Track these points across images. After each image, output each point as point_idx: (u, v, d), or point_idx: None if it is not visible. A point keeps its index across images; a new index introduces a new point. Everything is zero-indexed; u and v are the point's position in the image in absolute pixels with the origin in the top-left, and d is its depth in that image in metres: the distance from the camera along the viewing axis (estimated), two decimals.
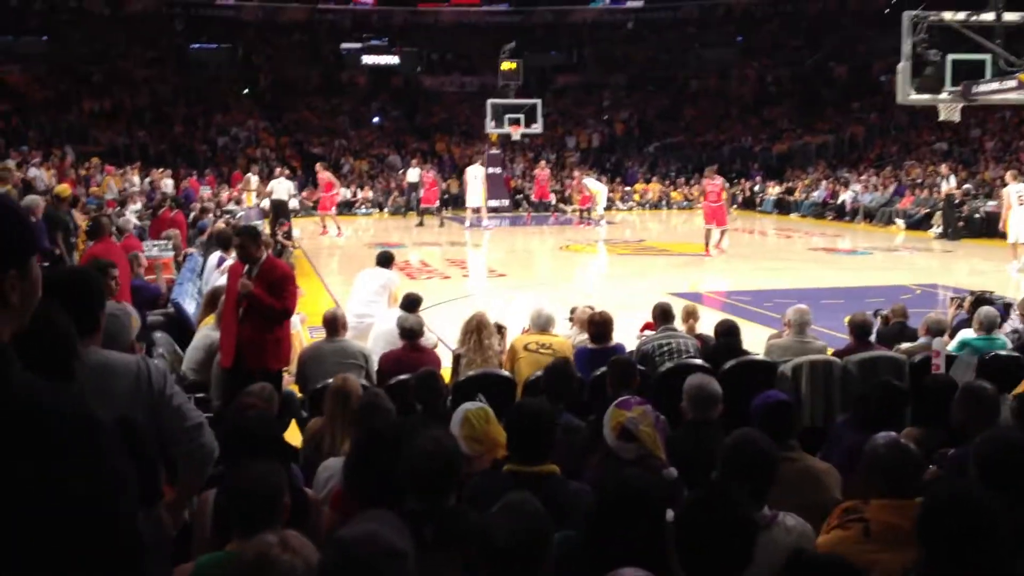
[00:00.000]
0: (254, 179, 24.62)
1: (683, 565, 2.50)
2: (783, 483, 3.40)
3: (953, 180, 22.42)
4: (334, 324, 6.77)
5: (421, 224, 25.34)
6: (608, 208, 32.40)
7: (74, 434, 1.38)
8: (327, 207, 23.49)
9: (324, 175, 23.47)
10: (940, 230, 22.24)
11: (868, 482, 3.34)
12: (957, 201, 22.29)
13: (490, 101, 28.06)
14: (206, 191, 21.80)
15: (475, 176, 25.07)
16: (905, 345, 6.97)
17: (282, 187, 20.22)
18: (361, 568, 2.02)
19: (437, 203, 25.98)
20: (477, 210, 24.93)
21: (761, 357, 6.61)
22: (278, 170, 25.48)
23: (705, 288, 14.66)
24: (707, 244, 18.90)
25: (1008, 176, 18.29)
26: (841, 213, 27.56)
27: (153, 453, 2.97)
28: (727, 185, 24.25)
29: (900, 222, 24.57)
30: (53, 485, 1.33)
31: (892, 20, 15.84)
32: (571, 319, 7.99)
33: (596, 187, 25.88)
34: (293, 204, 23.81)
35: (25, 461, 1.32)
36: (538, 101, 28.57)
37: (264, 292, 6.19)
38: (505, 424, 3.83)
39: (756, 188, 32.83)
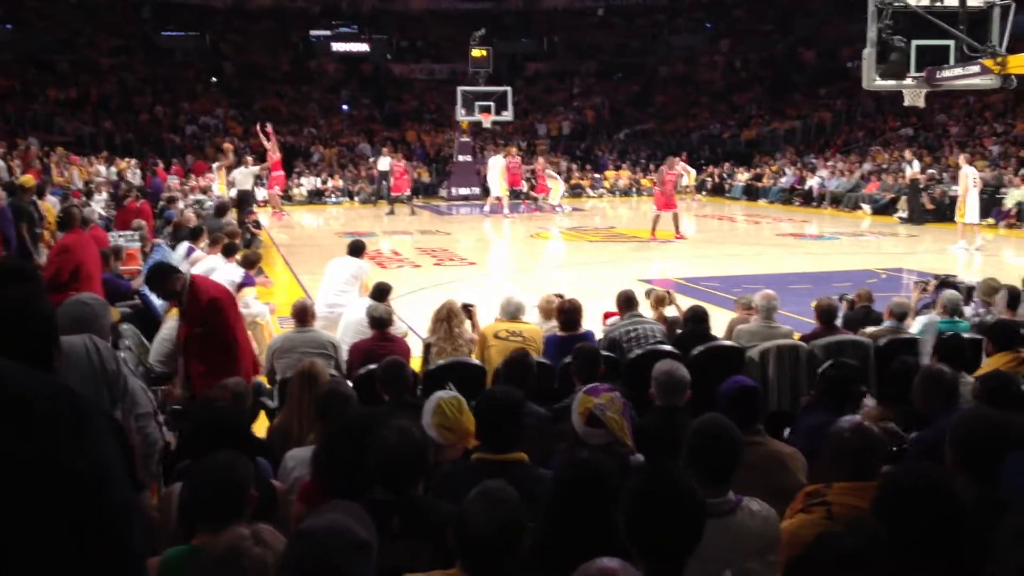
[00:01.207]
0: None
1: (632, 544, 2.52)
2: (748, 467, 3.42)
3: (917, 165, 22.66)
4: (303, 314, 6.74)
5: (392, 213, 25.28)
6: (578, 195, 32.53)
7: (65, 415, 1.40)
8: (272, 187, 23.76)
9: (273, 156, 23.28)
10: (905, 215, 22.49)
11: (832, 465, 3.38)
12: (922, 186, 22.54)
13: (460, 88, 27.98)
14: (173, 181, 21.55)
15: (496, 165, 25.55)
16: (870, 329, 7.05)
17: (247, 176, 19.98)
18: (324, 560, 2.02)
19: (408, 191, 25.96)
20: (498, 198, 25.24)
21: (730, 343, 6.65)
22: (247, 159, 25.24)
23: (674, 274, 14.73)
24: (653, 229, 19.37)
25: (962, 159, 18.65)
26: (808, 199, 27.80)
27: (124, 442, 2.96)
28: (683, 174, 24.41)
29: (866, 207, 24.82)
30: (48, 465, 1.35)
31: (859, 6, 15.94)
32: (538, 307, 7.98)
33: (553, 179, 27.01)
34: (260, 193, 23.66)
35: (19, 442, 1.33)
36: (508, 88, 28.55)
37: (198, 327, 5.77)
38: (474, 412, 3.85)
39: (724, 174, 33.00)
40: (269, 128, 22.66)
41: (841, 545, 2.63)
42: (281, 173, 24.07)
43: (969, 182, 17.33)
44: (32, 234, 11.07)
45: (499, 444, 3.62)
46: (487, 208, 25.55)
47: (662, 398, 4.54)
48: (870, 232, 21.36)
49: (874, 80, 11.16)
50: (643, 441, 4.07)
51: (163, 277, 5.94)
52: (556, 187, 26.68)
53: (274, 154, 22.44)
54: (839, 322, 7.08)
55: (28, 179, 12.99)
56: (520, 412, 3.74)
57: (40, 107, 33.31)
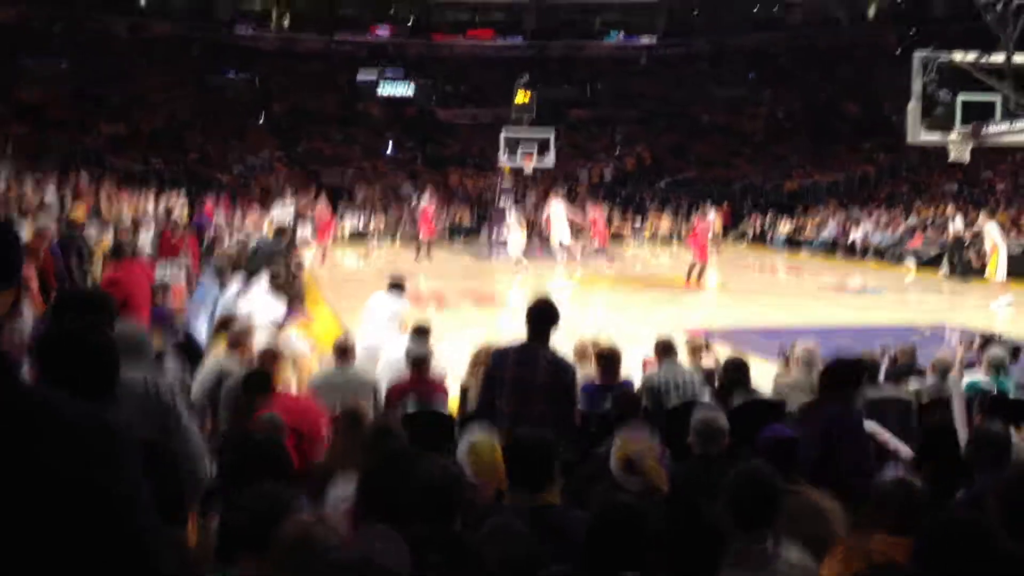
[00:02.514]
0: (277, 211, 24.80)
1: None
2: (787, 517, 3.41)
3: (959, 221, 22.44)
4: (344, 351, 6.80)
5: (417, 259, 24.68)
6: (618, 242, 32.51)
7: (88, 437, 1.43)
8: (323, 237, 23.63)
9: (321, 207, 23.72)
10: (948, 270, 22.24)
11: (874, 517, 3.36)
12: (967, 242, 22.29)
13: (504, 132, 28.15)
14: (220, 217, 21.91)
15: (556, 213, 24.33)
16: (913, 385, 6.97)
17: (286, 212, 20.24)
18: None
19: (429, 236, 25.65)
20: (563, 246, 24.17)
21: (769, 395, 6.61)
22: (288, 198, 25.64)
23: (714, 323, 14.64)
24: (689, 277, 19.46)
25: (983, 217, 18.41)
26: (851, 251, 27.57)
27: (177, 474, 3.01)
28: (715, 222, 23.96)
29: (910, 261, 24.54)
30: (68, 487, 1.37)
31: (903, 59, 15.97)
32: (575, 352, 7.95)
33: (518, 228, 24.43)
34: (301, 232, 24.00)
35: (38, 464, 1.36)
36: (551, 132, 28.65)
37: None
38: (504, 455, 3.87)
39: (767, 225, 32.87)
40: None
41: None
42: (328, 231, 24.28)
43: (996, 238, 17.17)
44: (81, 266, 11.28)
45: (531, 486, 3.63)
46: (562, 256, 24.22)
47: (700, 447, 4.52)
48: (914, 287, 21.12)
49: (919, 134, 11.13)
50: (679, 489, 4.06)
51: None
52: (519, 237, 23.76)
53: (323, 215, 22.94)
54: (881, 377, 7.02)
55: (79, 212, 13.28)
56: (550, 454, 3.75)
57: (92, 141, 34.09)
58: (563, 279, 21.56)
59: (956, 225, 22.18)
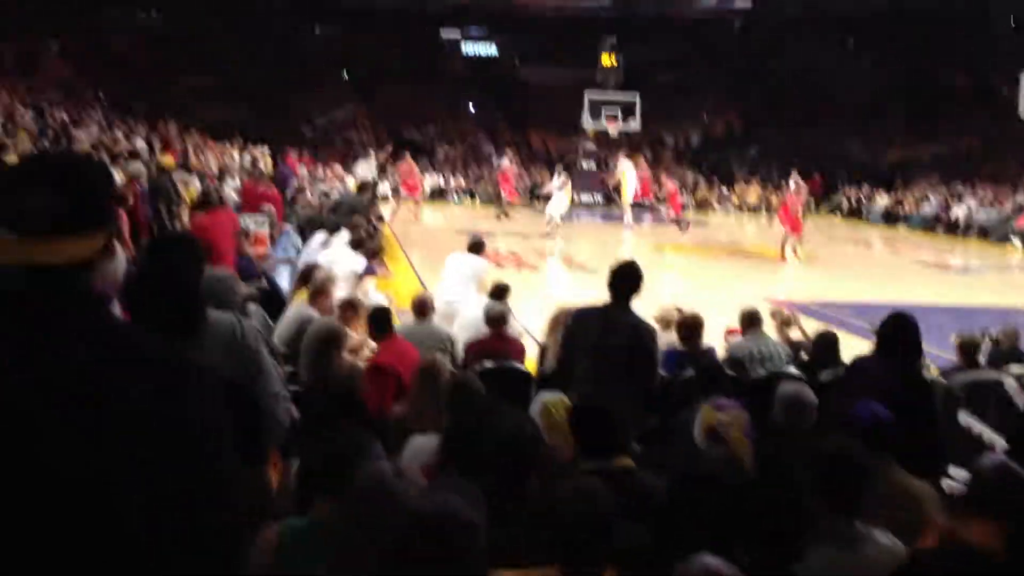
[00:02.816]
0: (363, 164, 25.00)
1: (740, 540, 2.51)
2: (878, 500, 3.29)
3: None
4: (423, 307, 6.81)
5: (498, 217, 25.06)
6: (704, 210, 32.04)
7: (170, 373, 1.50)
8: (413, 192, 23.73)
9: (405, 164, 23.76)
10: None
11: (972, 504, 3.21)
12: None
13: (587, 95, 27.83)
14: (303, 170, 22.16)
15: (627, 175, 24.50)
16: (1015, 368, 6.66)
17: (368, 166, 20.36)
18: (436, 538, 2.06)
19: (510, 197, 25.60)
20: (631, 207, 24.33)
21: None
22: (370, 151, 25.78)
23: (801, 296, 14.29)
24: (783, 251, 18.80)
25: None
26: (953, 228, 26.59)
27: (258, 415, 3.04)
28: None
29: (1016, 241, 23.54)
30: (149, 425, 1.43)
31: (1016, 29, 15.29)
32: (656, 318, 7.84)
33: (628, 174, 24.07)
34: (383, 187, 24.15)
35: (122, 400, 1.42)
36: (636, 95, 28.22)
37: None
38: (571, 422, 3.81)
39: (863, 197, 31.92)
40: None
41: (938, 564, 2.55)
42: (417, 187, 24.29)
43: None
44: (169, 211, 11.49)
45: (596, 453, 3.58)
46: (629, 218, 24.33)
47: (786, 422, 4.39)
48: (1020, 267, 20.30)
49: None
50: (765, 463, 3.94)
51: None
52: (562, 198, 22.50)
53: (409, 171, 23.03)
54: (982, 359, 6.72)
55: (168, 160, 13.54)
56: (615, 422, 3.70)
57: (178, 91, 34.74)
58: (633, 241, 21.36)
59: None
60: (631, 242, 22.28)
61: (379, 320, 6.12)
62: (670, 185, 25.28)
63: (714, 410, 3.90)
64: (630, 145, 35.53)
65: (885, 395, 4.27)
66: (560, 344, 5.63)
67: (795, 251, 18.69)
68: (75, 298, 1.50)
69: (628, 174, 24.36)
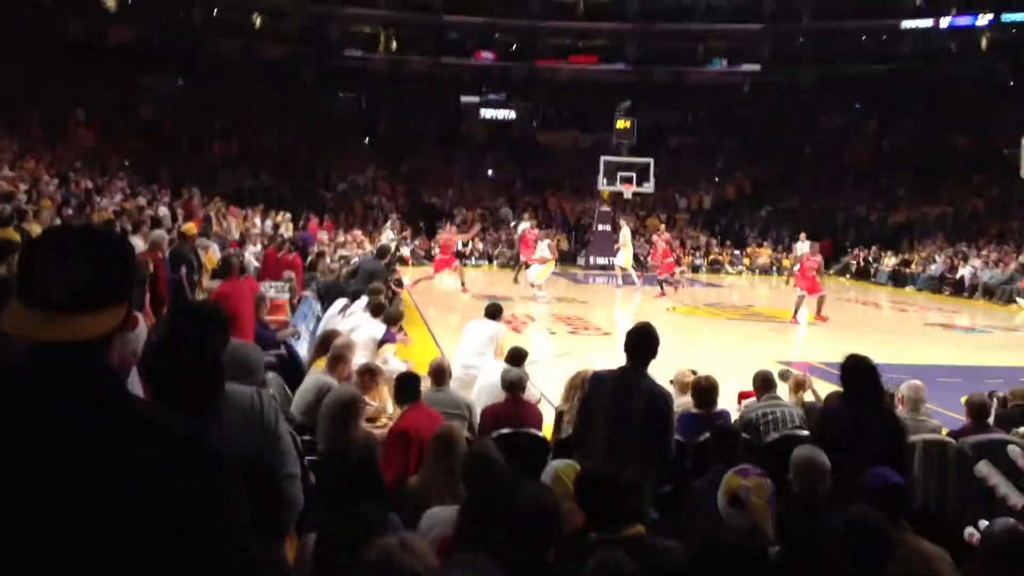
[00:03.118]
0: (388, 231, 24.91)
1: None
2: (895, 564, 3.33)
3: None
4: (440, 374, 6.86)
5: (516, 280, 24.70)
6: (716, 271, 32.13)
7: (184, 453, 1.49)
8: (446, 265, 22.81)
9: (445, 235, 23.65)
10: None
11: (983, 566, 3.25)
12: None
13: (603, 158, 28.14)
14: (324, 236, 22.41)
15: (624, 238, 24.82)
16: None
17: (387, 234, 20.54)
18: None
19: (528, 261, 25.47)
20: (623, 268, 24.58)
21: None
22: (393, 217, 26.07)
23: (813, 358, 14.30)
24: (796, 312, 18.77)
25: None
26: (959, 288, 26.60)
27: (276, 491, 3.07)
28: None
29: (1022, 301, 23.57)
30: (164, 504, 1.43)
31: (1016, 92, 15.45)
32: (672, 381, 7.90)
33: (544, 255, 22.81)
34: (404, 251, 24.19)
35: (138, 480, 1.43)
36: (651, 160, 28.54)
37: None
38: (577, 492, 3.77)
39: (871, 258, 32.02)
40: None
41: None
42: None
43: None
44: (190, 280, 11.66)
45: (610, 522, 3.55)
46: (627, 280, 24.65)
47: (801, 485, 4.42)
48: None
49: None
50: (787, 530, 3.97)
51: None
52: (546, 265, 22.17)
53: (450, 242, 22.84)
54: (991, 420, 6.75)
55: (190, 227, 13.76)
56: (624, 488, 3.67)
57: (204, 159, 35.30)
58: (648, 303, 21.39)
59: None
60: (646, 304, 22.34)
61: (405, 385, 6.16)
62: (661, 244, 25.29)
63: (738, 476, 3.92)
64: (644, 208, 35.87)
65: (860, 432, 4.76)
66: (577, 410, 5.68)
67: (818, 312, 18.61)
68: (90, 375, 1.50)
69: (628, 239, 24.53)
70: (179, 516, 1.44)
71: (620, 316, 20.61)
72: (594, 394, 5.35)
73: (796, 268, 19.83)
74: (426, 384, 7.12)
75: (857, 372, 5.29)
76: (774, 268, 32.63)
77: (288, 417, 6.81)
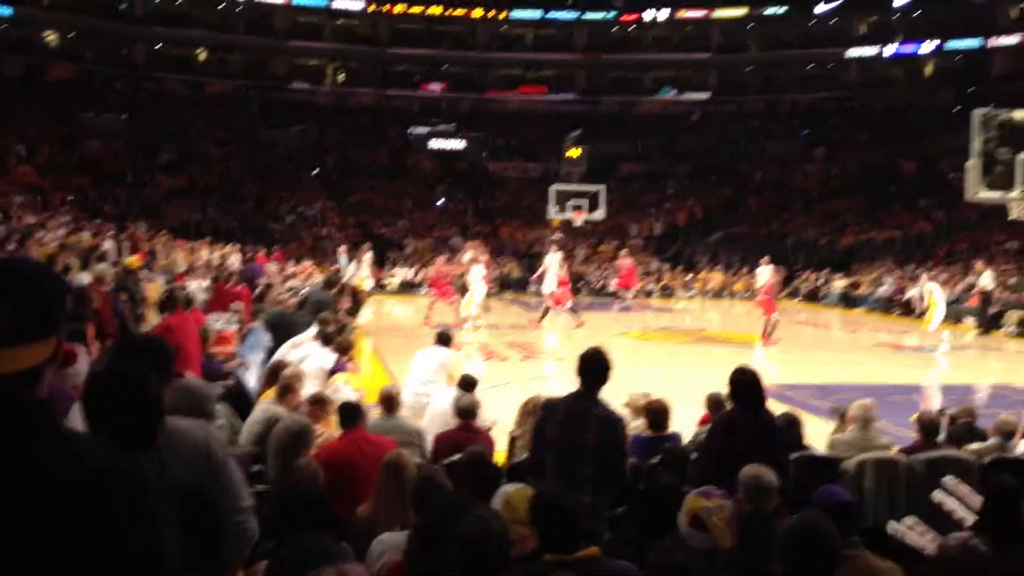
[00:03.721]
0: (343, 259, 24.59)
1: None
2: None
3: (988, 276, 22.58)
4: (389, 402, 6.80)
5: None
6: (668, 296, 32.34)
7: (116, 487, 1.47)
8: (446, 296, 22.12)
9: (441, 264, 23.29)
10: (1014, 329, 21.98)
11: None
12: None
13: (554, 187, 28.28)
14: (272, 267, 22.19)
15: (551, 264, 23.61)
16: (974, 446, 6.76)
17: (340, 264, 20.41)
18: None
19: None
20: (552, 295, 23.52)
21: (823, 452, 6.47)
22: (341, 248, 25.82)
23: (766, 380, 14.41)
24: (765, 332, 19.18)
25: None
26: (908, 309, 27.04)
27: (217, 525, 3.00)
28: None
29: (969, 320, 24.02)
30: (93, 538, 1.41)
31: (960, 118, 15.86)
32: (626, 405, 7.90)
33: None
34: (368, 284, 23.93)
35: (63, 512, 1.41)
36: (601, 187, 28.74)
37: None
38: (531, 514, 3.74)
39: (820, 281, 32.48)
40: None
41: None
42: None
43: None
44: (134, 315, 11.47)
45: (564, 545, 3.50)
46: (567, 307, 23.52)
47: (750, 503, 4.41)
48: (973, 346, 20.64)
49: (979, 192, 10.97)
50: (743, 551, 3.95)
51: None
52: (471, 295, 21.50)
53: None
54: (941, 437, 6.82)
55: (133, 260, 13.55)
56: (573, 517, 3.61)
57: (149, 193, 34.90)
58: (599, 327, 21.36)
59: (983, 282, 22.37)
60: (598, 329, 22.36)
61: (347, 413, 6.03)
62: (627, 263, 25.35)
63: (700, 497, 3.91)
64: (595, 235, 36.06)
65: (753, 439, 5.10)
66: (531, 439, 5.63)
67: (772, 331, 18.99)
68: (16, 408, 1.48)
69: (552, 265, 24.06)
70: (107, 546, 1.42)
71: (572, 341, 20.57)
72: (546, 422, 5.29)
73: (762, 293, 20.12)
74: (376, 413, 7.04)
75: (745, 384, 5.59)
76: (726, 292, 32.95)
77: (237, 452, 6.70)
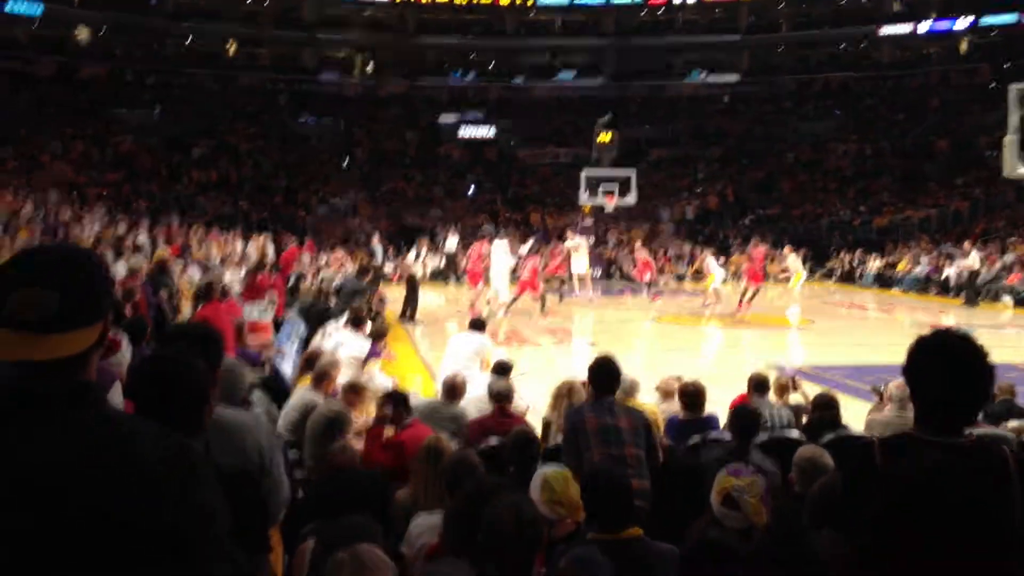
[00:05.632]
0: (377, 248, 24.54)
1: None
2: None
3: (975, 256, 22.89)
4: (453, 391, 6.91)
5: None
6: (701, 280, 32.15)
7: (163, 465, 1.49)
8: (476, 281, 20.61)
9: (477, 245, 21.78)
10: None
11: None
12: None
13: (585, 171, 28.14)
14: (304, 257, 22.33)
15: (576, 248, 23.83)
16: (1013, 423, 6.68)
17: (378, 249, 20.49)
18: None
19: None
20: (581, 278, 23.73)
21: (859, 432, 6.41)
22: (375, 238, 25.98)
23: (802, 361, 14.31)
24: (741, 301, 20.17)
25: None
26: (945, 289, 26.70)
27: (262, 506, 3.05)
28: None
29: (1007, 299, 23.67)
30: (140, 514, 1.43)
31: (996, 94, 15.63)
32: (657, 388, 7.89)
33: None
34: (387, 269, 24.09)
35: (113, 490, 1.43)
36: (632, 172, 28.58)
37: None
38: (582, 491, 3.83)
39: (856, 262, 32.14)
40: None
41: None
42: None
43: None
44: (170, 305, 11.57)
45: (612, 523, 3.57)
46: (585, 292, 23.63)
47: (803, 485, 4.38)
48: (1012, 325, 20.35)
49: (1017, 168, 10.80)
50: (782, 527, 3.93)
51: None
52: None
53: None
54: (980, 416, 6.73)
55: (167, 252, 13.69)
56: (629, 493, 3.70)
57: (182, 188, 35.22)
58: (633, 313, 21.33)
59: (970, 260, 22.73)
60: (632, 315, 22.33)
61: (397, 401, 6.14)
62: (642, 255, 25.11)
63: (731, 476, 3.90)
64: (627, 220, 35.91)
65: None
66: (564, 442, 5.61)
67: (750, 300, 20.08)
68: (65, 391, 1.51)
69: (580, 249, 23.70)
70: (156, 524, 1.44)
71: (605, 326, 20.53)
72: (576, 423, 5.27)
73: (746, 264, 20.83)
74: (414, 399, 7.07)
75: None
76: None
77: (275, 438, 6.77)
